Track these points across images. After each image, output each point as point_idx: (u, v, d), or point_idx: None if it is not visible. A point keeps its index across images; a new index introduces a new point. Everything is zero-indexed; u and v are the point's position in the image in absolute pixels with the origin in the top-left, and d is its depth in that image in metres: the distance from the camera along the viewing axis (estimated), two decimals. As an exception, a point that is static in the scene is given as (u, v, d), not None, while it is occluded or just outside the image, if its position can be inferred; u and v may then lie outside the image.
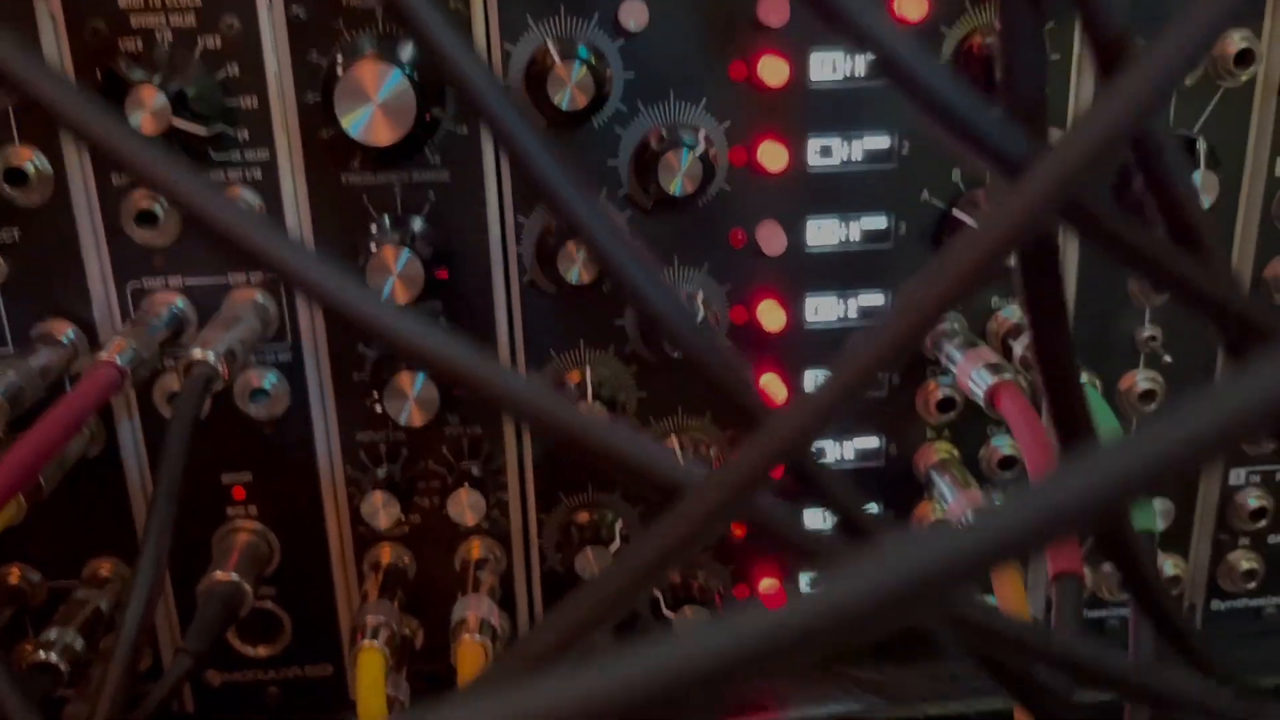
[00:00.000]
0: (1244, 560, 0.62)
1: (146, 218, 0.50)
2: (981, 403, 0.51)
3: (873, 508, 0.59)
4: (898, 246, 0.55)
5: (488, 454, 0.56)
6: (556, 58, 0.48)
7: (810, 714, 0.60)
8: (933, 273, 0.21)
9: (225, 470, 0.56)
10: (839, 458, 0.58)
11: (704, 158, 0.50)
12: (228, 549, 0.55)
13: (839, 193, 0.54)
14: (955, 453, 0.58)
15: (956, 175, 0.54)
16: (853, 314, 0.56)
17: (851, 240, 0.55)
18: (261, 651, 0.58)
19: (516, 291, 0.54)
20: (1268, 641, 0.64)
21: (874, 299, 0.56)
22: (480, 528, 0.57)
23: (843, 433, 0.58)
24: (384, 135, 0.47)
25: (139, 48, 0.48)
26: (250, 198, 0.51)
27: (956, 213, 0.54)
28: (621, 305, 0.55)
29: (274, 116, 0.50)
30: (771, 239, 0.54)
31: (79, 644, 0.52)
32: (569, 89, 0.48)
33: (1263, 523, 0.61)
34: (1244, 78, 0.53)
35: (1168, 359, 0.57)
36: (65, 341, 0.51)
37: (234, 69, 0.49)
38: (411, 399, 0.51)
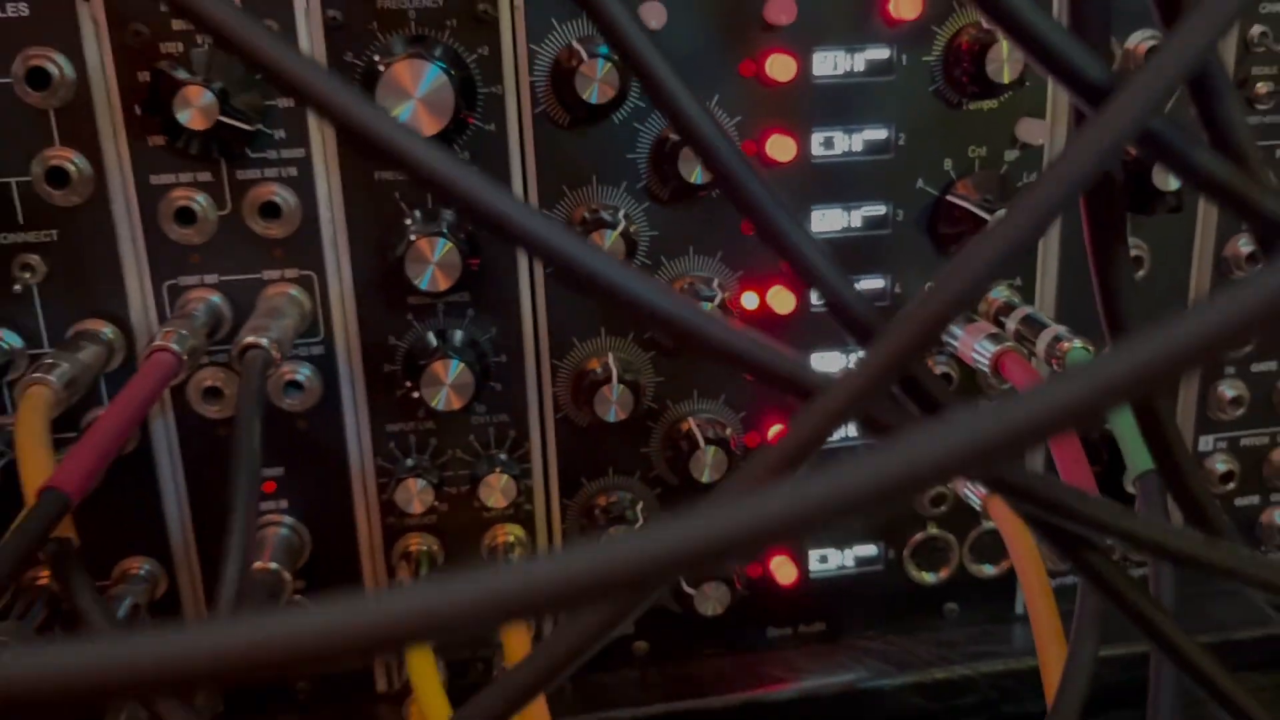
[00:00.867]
0: (1215, 522, 0.66)
1: (185, 215, 0.52)
2: (987, 370, 0.54)
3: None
4: (896, 232, 0.58)
5: (514, 440, 0.58)
6: (584, 55, 0.51)
7: (825, 682, 0.62)
8: (1043, 178, 0.24)
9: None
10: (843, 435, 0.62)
11: (720, 149, 0.53)
12: (261, 541, 0.56)
13: (841, 182, 0.57)
14: (952, 427, 0.61)
15: (948, 165, 0.58)
16: (855, 297, 0.59)
17: (853, 227, 0.58)
18: (293, 645, 0.59)
19: (541, 280, 0.56)
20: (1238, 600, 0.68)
21: (875, 282, 0.59)
22: (506, 513, 0.59)
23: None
24: (426, 128, 0.49)
25: (180, 50, 0.50)
26: (286, 195, 0.52)
27: (951, 198, 0.58)
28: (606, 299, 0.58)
29: (309, 115, 0.52)
30: (780, 227, 0.57)
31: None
32: (596, 84, 0.51)
33: (1231, 485, 0.65)
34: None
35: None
36: (105, 339, 0.52)
37: (271, 70, 0.51)
38: (447, 384, 0.53)
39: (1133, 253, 0.60)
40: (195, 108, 0.48)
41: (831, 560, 0.64)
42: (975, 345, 0.55)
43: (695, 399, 0.60)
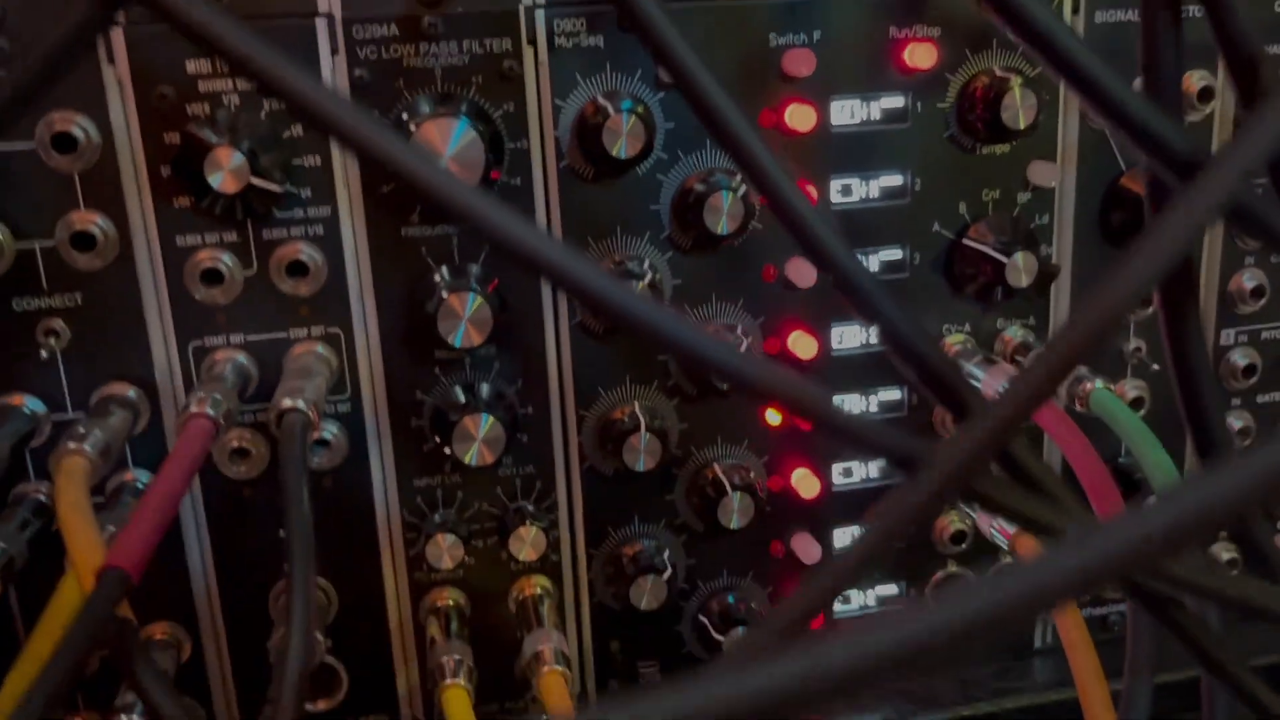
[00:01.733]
0: (1224, 551, 0.67)
1: (212, 275, 0.51)
2: (1011, 411, 0.55)
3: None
4: (913, 275, 0.59)
5: (540, 491, 0.58)
6: (610, 110, 0.52)
7: (855, 724, 0.62)
8: (1136, 251, 0.25)
9: (282, 526, 0.56)
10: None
11: (744, 198, 0.54)
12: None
13: (859, 228, 0.58)
14: (971, 465, 0.62)
15: (963, 208, 0.59)
16: (874, 339, 0.60)
17: (872, 270, 0.59)
18: (321, 705, 0.58)
19: (566, 330, 0.56)
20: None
21: (893, 325, 0.60)
22: (534, 565, 0.59)
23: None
24: (458, 186, 0.49)
25: (206, 111, 0.50)
26: (313, 253, 0.52)
27: (966, 241, 0.58)
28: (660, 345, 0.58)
29: (336, 174, 0.52)
30: (800, 273, 0.58)
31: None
32: (623, 138, 0.52)
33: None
34: (1205, 111, 0.59)
35: (1155, 367, 0.63)
36: (130, 402, 0.51)
37: (298, 129, 0.51)
38: (479, 439, 0.53)
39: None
40: (226, 170, 0.48)
41: (854, 601, 0.65)
42: (998, 389, 0.56)
43: (719, 444, 0.60)
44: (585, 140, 0.53)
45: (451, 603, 0.58)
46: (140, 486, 0.53)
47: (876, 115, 0.57)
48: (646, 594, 0.58)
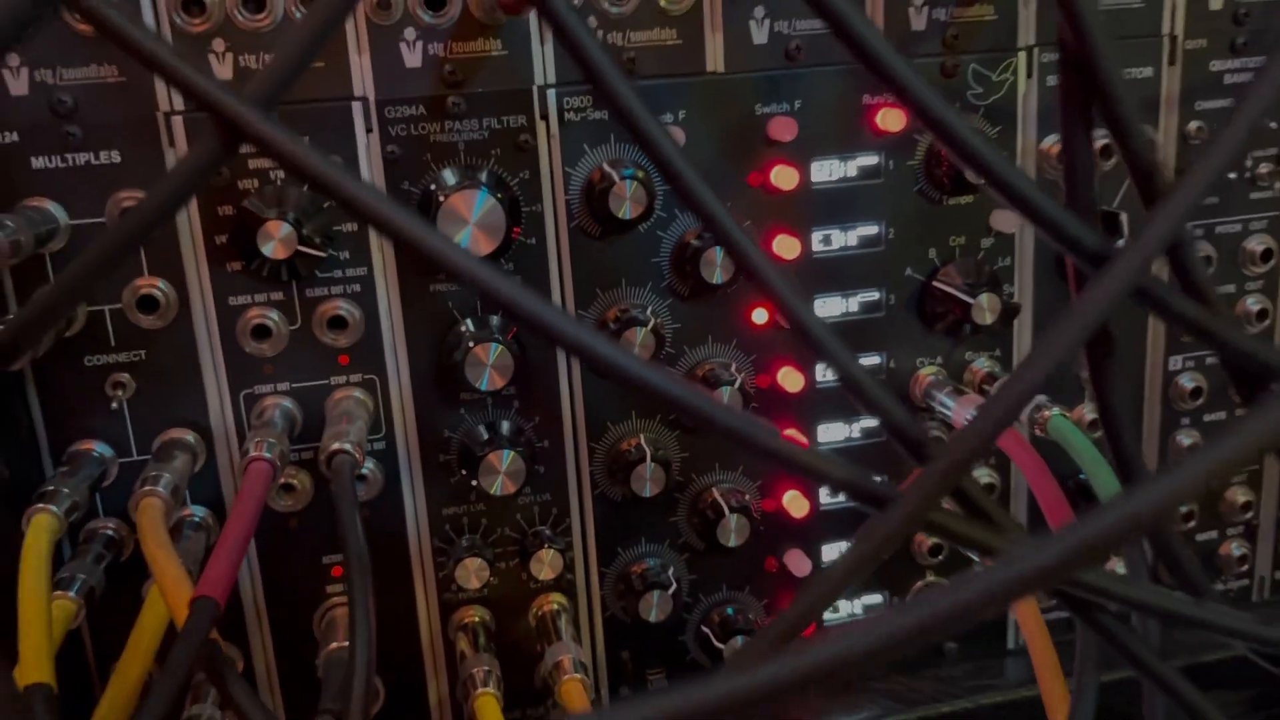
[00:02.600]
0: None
1: (261, 331, 0.58)
2: (978, 437, 0.62)
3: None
4: (889, 314, 0.66)
5: (555, 516, 0.64)
6: (615, 177, 0.58)
7: (843, 722, 0.69)
8: (1058, 327, 0.31)
9: (325, 553, 0.62)
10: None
11: (736, 251, 0.60)
12: (333, 622, 0.61)
13: (840, 273, 0.64)
14: (945, 484, 0.69)
15: (933, 253, 0.65)
16: (855, 373, 0.66)
17: (851, 311, 0.65)
18: (361, 716, 0.64)
19: (578, 371, 0.63)
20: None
21: (872, 359, 0.66)
22: (552, 583, 0.65)
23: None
24: (482, 249, 0.55)
25: (255, 186, 0.56)
26: (351, 309, 0.58)
27: (936, 283, 0.65)
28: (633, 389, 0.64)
29: (371, 238, 0.58)
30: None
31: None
32: (627, 201, 0.58)
33: (1192, 524, 0.73)
34: (1108, 166, 0.66)
35: (1109, 392, 0.69)
36: (189, 445, 0.57)
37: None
38: (502, 473, 0.59)
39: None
40: (277, 240, 0.54)
41: (843, 609, 0.71)
42: (966, 416, 0.62)
43: (717, 471, 0.66)
44: (593, 203, 0.59)
45: (478, 619, 0.64)
46: (197, 520, 0.59)
47: (853, 173, 0.63)
48: (654, 608, 0.65)
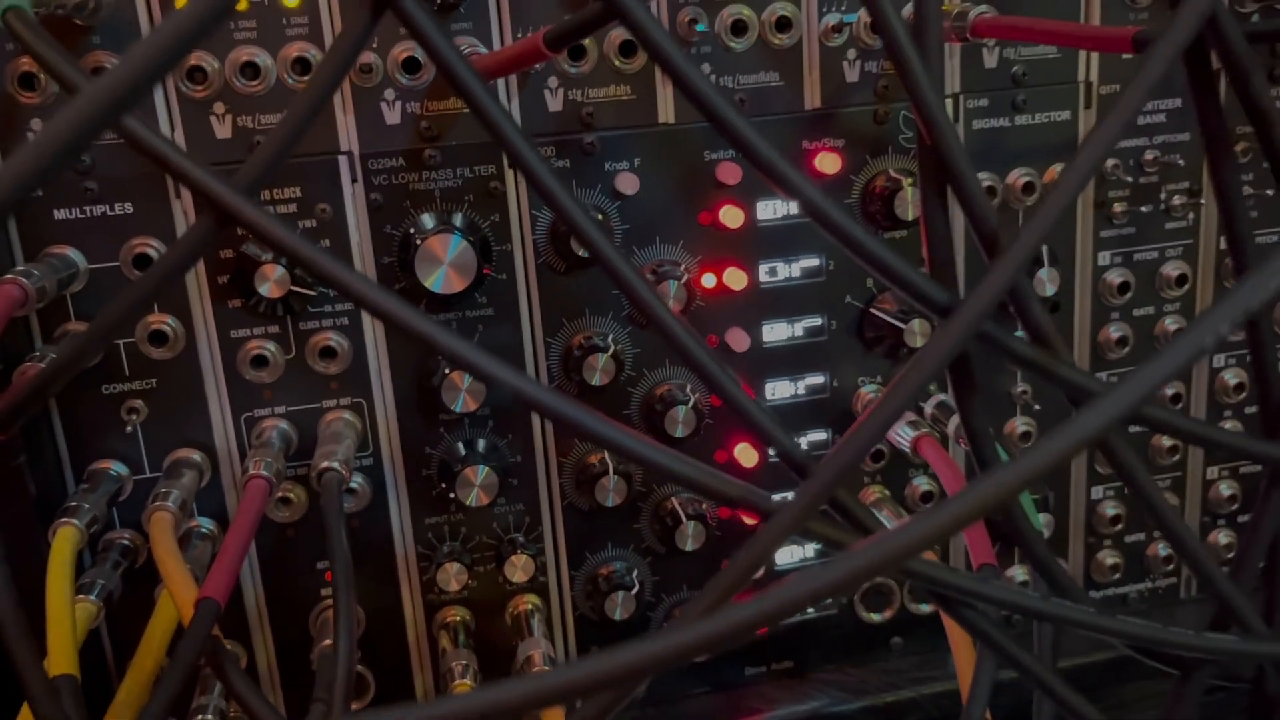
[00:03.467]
0: (1109, 557, 0.80)
1: (259, 361, 0.64)
2: (907, 451, 0.68)
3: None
4: (831, 338, 0.72)
5: (529, 525, 0.71)
6: (576, 219, 0.64)
7: (794, 710, 0.75)
8: (909, 368, 0.37)
9: (319, 559, 0.69)
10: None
11: (687, 285, 0.67)
12: (326, 621, 0.68)
13: (785, 302, 0.71)
14: (887, 492, 0.75)
15: (870, 283, 0.72)
16: (802, 391, 0.73)
17: (797, 336, 0.72)
18: (352, 707, 0.70)
19: (547, 395, 0.69)
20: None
21: (817, 379, 0.73)
22: (525, 586, 0.71)
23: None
24: (456, 286, 0.62)
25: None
26: (341, 340, 0.65)
27: (873, 310, 0.71)
28: (628, 404, 0.71)
29: (357, 276, 0.65)
30: (738, 339, 0.70)
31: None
32: (587, 242, 0.64)
33: (1120, 526, 0.79)
34: (1029, 202, 0.72)
35: (1037, 407, 0.75)
36: (196, 464, 0.64)
37: (326, 243, 0.64)
38: (477, 485, 0.66)
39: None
40: (272, 280, 0.61)
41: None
42: (898, 430, 0.68)
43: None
44: (557, 242, 0.66)
45: (459, 619, 0.70)
46: (205, 531, 0.66)
47: (795, 211, 0.69)
48: (619, 607, 0.71)
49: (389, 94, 0.63)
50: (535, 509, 0.71)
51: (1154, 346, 0.76)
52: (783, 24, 0.66)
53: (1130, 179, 0.73)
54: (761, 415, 0.41)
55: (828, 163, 0.69)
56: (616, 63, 0.65)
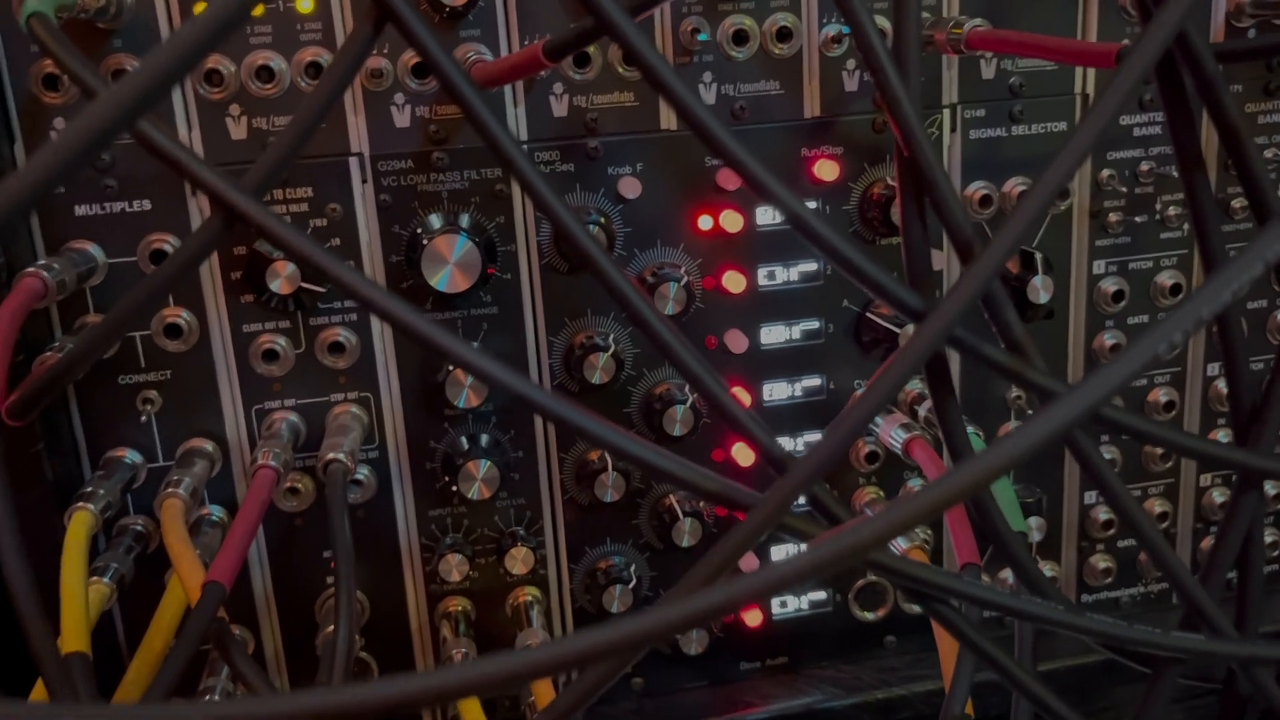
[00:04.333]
0: (1101, 561, 0.81)
1: (270, 355, 0.66)
2: (899, 453, 0.69)
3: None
4: (829, 341, 0.74)
5: (529, 518, 0.73)
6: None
7: (789, 705, 0.76)
8: (883, 372, 0.39)
9: (325, 548, 0.71)
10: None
11: (686, 287, 0.68)
12: (331, 608, 0.70)
13: (783, 305, 0.72)
14: (882, 493, 0.76)
15: (867, 287, 0.73)
16: (799, 393, 0.74)
17: (794, 339, 0.73)
18: (356, 691, 0.72)
19: (548, 388, 0.71)
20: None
21: (814, 381, 0.74)
22: (526, 578, 0.73)
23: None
24: (460, 285, 0.64)
25: (266, 230, 0.65)
26: (349, 335, 0.67)
27: (869, 314, 0.73)
28: (628, 403, 0.72)
29: (367, 274, 0.67)
30: (736, 341, 0.72)
31: None
32: (589, 244, 0.66)
33: (1112, 531, 0.81)
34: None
35: (1029, 412, 0.77)
36: (208, 454, 0.66)
37: (336, 241, 0.66)
38: (479, 479, 0.68)
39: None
40: (283, 277, 0.63)
41: (790, 604, 0.79)
42: (891, 432, 0.70)
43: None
44: (560, 244, 0.67)
45: (460, 609, 0.72)
46: (215, 519, 0.68)
47: (794, 216, 0.71)
48: (617, 600, 0.73)
49: (399, 98, 0.65)
50: (536, 503, 0.73)
51: (1148, 354, 0.77)
52: (783, 34, 0.67)
53: (1125, 189, 0.75)
54: (741, 413, 0.42)
55: (826, 170, 0.70)
56: (620, 70, 0.66)
